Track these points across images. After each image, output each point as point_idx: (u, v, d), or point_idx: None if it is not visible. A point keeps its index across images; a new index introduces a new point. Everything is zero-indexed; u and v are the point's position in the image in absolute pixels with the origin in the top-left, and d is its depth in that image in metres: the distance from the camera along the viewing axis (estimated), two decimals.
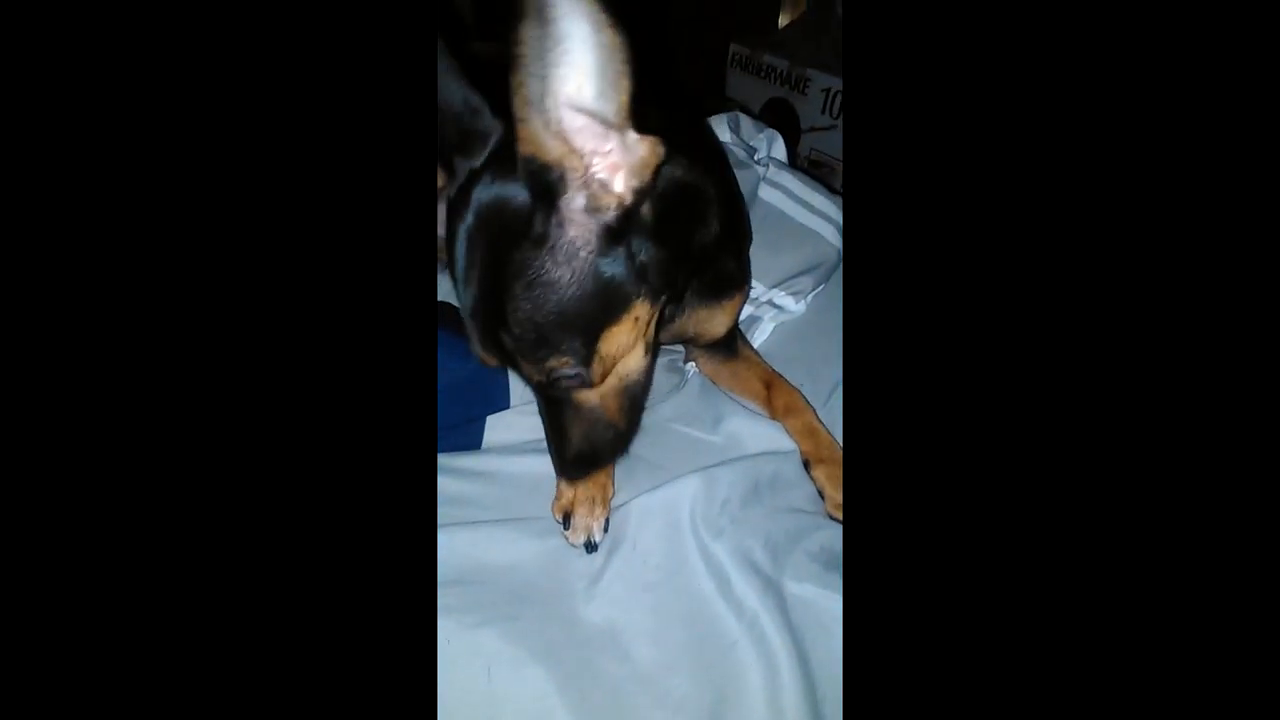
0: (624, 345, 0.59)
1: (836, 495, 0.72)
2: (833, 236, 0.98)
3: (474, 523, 0.70)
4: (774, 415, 0.81)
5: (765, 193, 0.99)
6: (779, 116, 1.82)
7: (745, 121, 1.07)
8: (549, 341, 0.55)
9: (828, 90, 1.69)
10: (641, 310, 0.58)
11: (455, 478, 0.74)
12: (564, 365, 0.57)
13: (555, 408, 0.64)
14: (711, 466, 0.72)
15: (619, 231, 0.54)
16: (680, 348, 0.90)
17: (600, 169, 0.51)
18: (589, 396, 0.62)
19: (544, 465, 0.72)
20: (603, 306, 0.55)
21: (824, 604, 0.65)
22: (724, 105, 1.92)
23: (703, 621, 0.64)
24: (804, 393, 0.84)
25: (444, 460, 0.76)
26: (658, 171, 0.52)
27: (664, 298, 0.60)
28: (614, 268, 0.54)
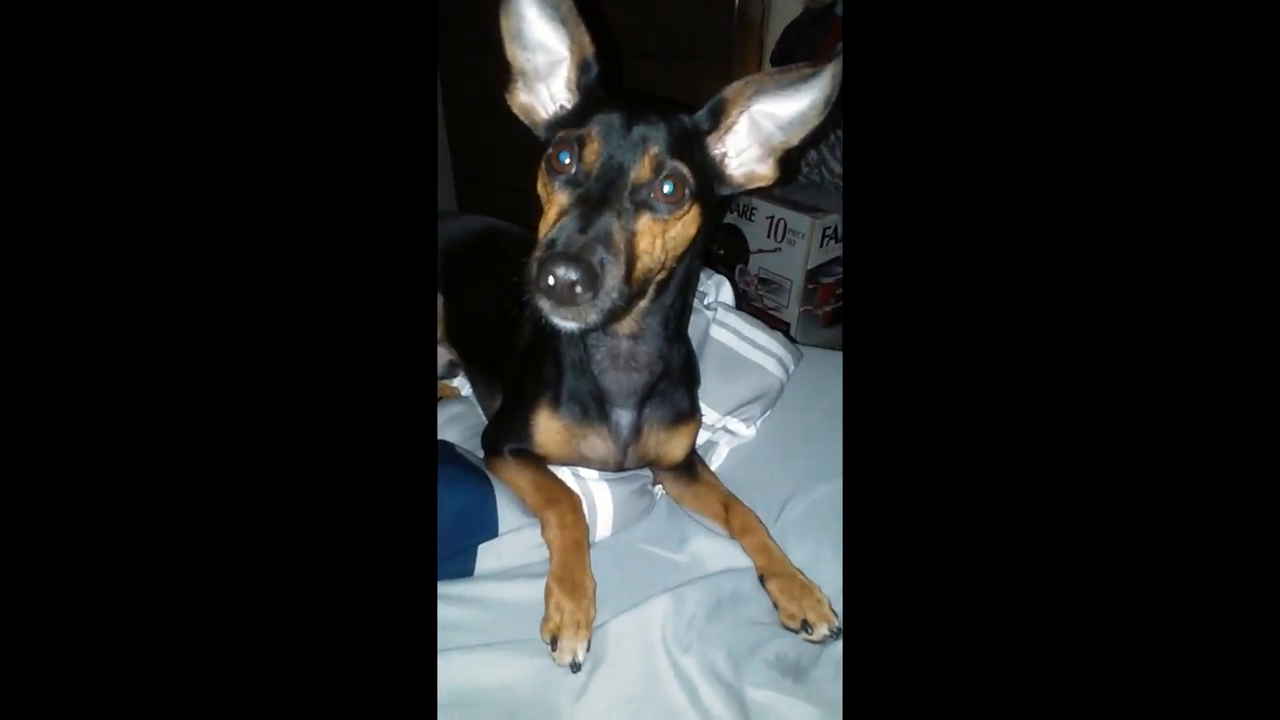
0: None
1: (788, 607, 0.82)
2: (775, 369, 1.13)
3: (470, 647, 0.78)
4: (732, 534, 0.92)
5: (716, 332, 1.14)
6: (730, 240, 2.02)
7: None
8: None
9: (771, 218, 1.90)
10: None
11: (451, 604, 0.82)
12: None
13: None
14: (679, 586, 0.83)
15: None
16: (649, 473, 1.02)
17: (738, 148, 0.80)
18: None
19: (532, 590, 0.82)
20: None
21: (781, 708, 0.75)
22: None
23: None
24: (757, 508, 0.96)
25: (440, 588, 0.84)
26: None
27: None
28: None
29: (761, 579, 0.87)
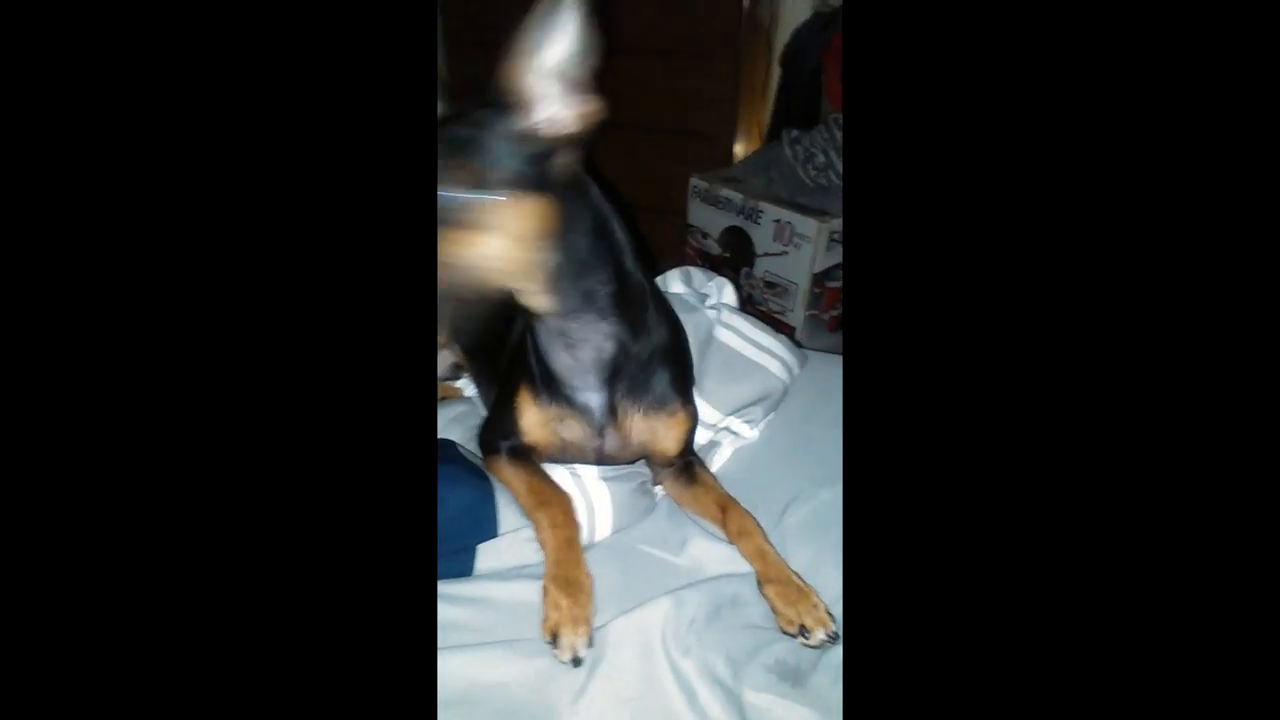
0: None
1: (785, 611, 0.82)
2: (779, 371, 1.13)
3: (469, 646, 0.78)
4: (729, 537, 0.92)
5: (719, 334, 1.14)
6: (736, 241, 2.02)
7: (696, 273, 1.24)
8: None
9: (778, 221, 1.89)
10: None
11: (451, 604, 0.82)
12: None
13: None
14: (679, 589, 0.83)
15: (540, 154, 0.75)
16: (647, 471, 1.02)
17: (549, 108, 0.74)
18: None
19: (531, 590, 0.82)
20: None
21: (779, 711, 0.74)
22: (686, 231, 2.12)
23: None
24: (759, 511, 0.95)
25: (440, 587, 0.84)
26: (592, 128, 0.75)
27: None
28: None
29: (760, 584, 0.87)
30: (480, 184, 0.72)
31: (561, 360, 0.92)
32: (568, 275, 0.83)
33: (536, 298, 0.84)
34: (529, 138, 0.75)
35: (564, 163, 0.79)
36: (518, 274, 0.78)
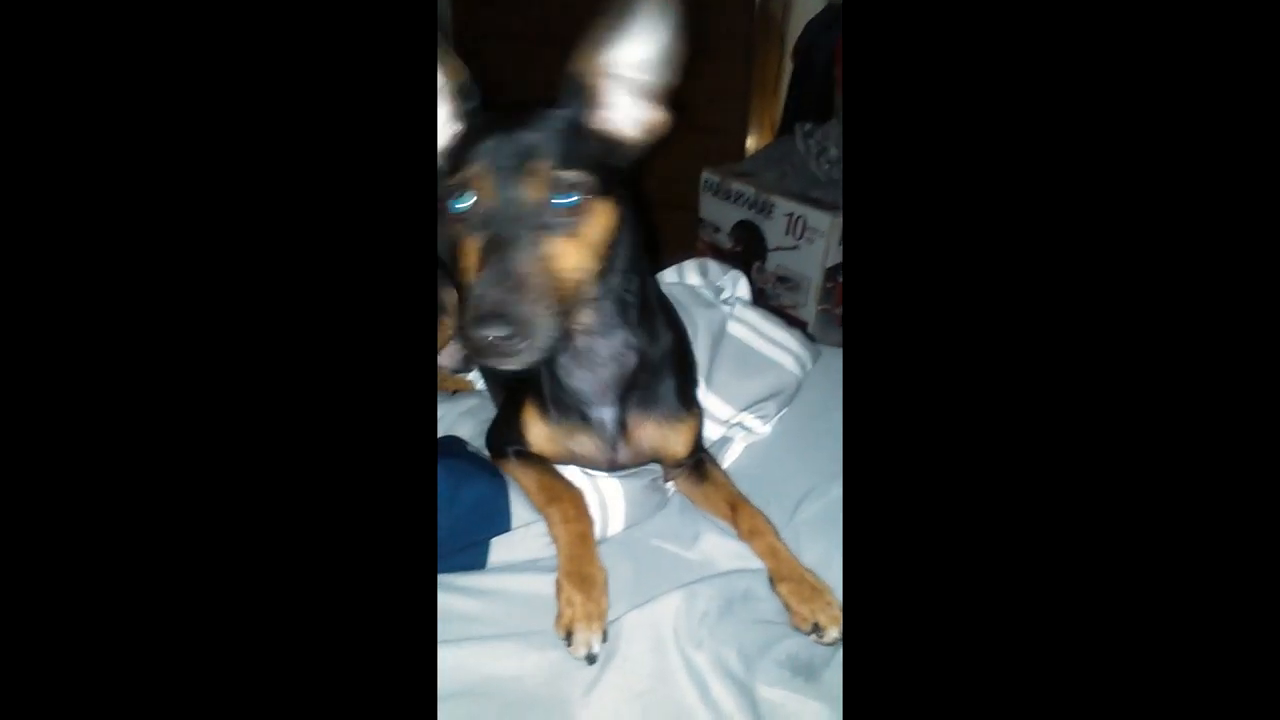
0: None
1: (800, 610, 0.82)
2: (792, 366, 1.12)
3: (480, 638, 0.79)
4: (741, 537, 0.91)
5: (733, 328, 1.13)
6: (748, 236, 2.01)
7: (713, 266, 1.23)
8: None
9: (790, 215, 1.88)
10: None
11: (463, 596, 0.83)
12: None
13: None
14: (691, 583, 0.82)
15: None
16: (659, 468, 1.01)
17: (616, 110, 0.74)
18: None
19: (544, 584, 0.82)
20: None
21: (792, 706, 0.74)
22: (698, 226, 2.11)
23: None
24: (771, 506, 0.95)
25: (452, 580, 0.85)
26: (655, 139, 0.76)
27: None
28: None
29: (771, 581, 0.86)
30: (556, 188, 0.70)
31: (580, 377, 0.90)
32: (609, 284, 0.82)
33: (581, 310, 0.80)
34: (596, 138, 0.74)
35: (625, 166, 0.77)
36: (585, 283, 0.75)
